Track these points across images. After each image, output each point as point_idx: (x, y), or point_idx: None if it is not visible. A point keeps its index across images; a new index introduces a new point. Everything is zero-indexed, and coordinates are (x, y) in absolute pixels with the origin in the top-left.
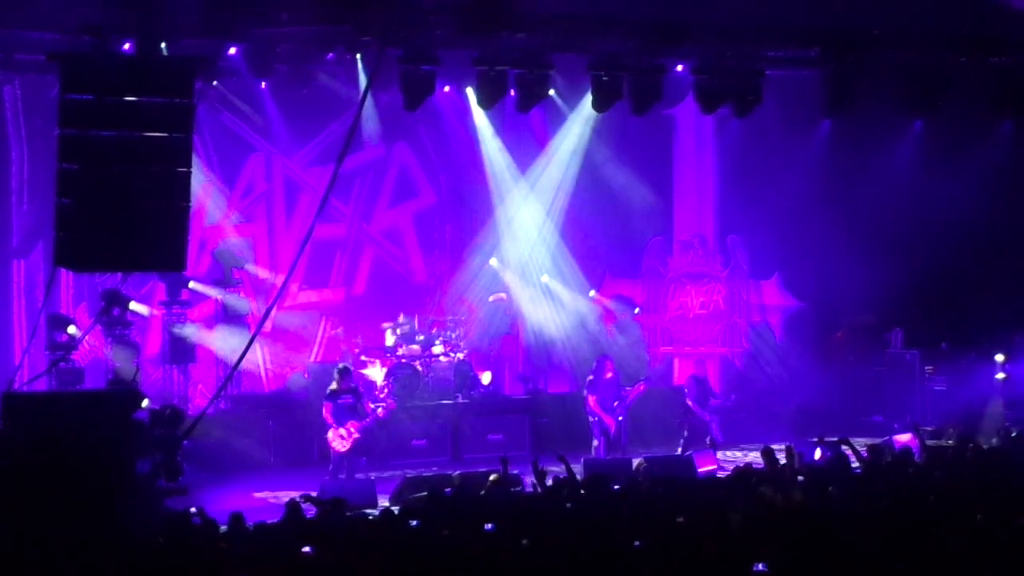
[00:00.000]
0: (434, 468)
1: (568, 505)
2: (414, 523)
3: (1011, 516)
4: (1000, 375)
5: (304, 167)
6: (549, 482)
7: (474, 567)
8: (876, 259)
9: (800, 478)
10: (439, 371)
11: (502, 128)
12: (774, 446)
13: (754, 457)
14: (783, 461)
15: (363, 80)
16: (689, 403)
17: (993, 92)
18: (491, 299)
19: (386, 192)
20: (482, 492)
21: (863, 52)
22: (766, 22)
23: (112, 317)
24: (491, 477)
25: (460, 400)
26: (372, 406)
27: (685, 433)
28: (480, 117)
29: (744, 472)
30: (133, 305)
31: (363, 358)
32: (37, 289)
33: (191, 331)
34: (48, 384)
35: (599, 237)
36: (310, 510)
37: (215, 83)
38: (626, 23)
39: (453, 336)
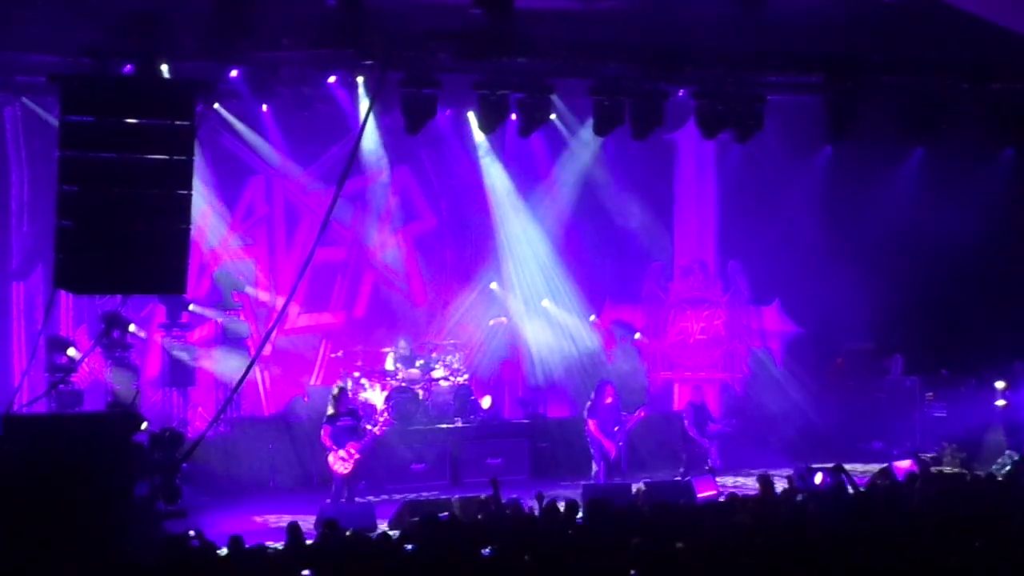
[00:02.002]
0: (433, 492)
1: (570, 531)
2: (409, 547)
3: (1010, 544)
4: (1000, 402)
5: (305, 190)
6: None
7: None
8: (877, 285)
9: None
10: (439, 395)
11: (503, 152)
12: (773, 472)
13: (752, 483)
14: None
15: (364, 103)
16: (688, 429)
17: (994, 119)
18: (491, 323)
19: (387, 216)
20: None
21: (865, 79)
22: (768, 48)
23: (112, 339)
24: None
25: (460, 424)
26: (368, 426)
27: (685, 458)
28: (481, 141)
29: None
30: (134, 328)
31: (363, 382)
32: (37, 311)
33: (191, 354)
34: (47, 406)
35: (599, 261)
36: (311, 534)
37: (216, 106)
38: (627, 48)
39: (453, 360)
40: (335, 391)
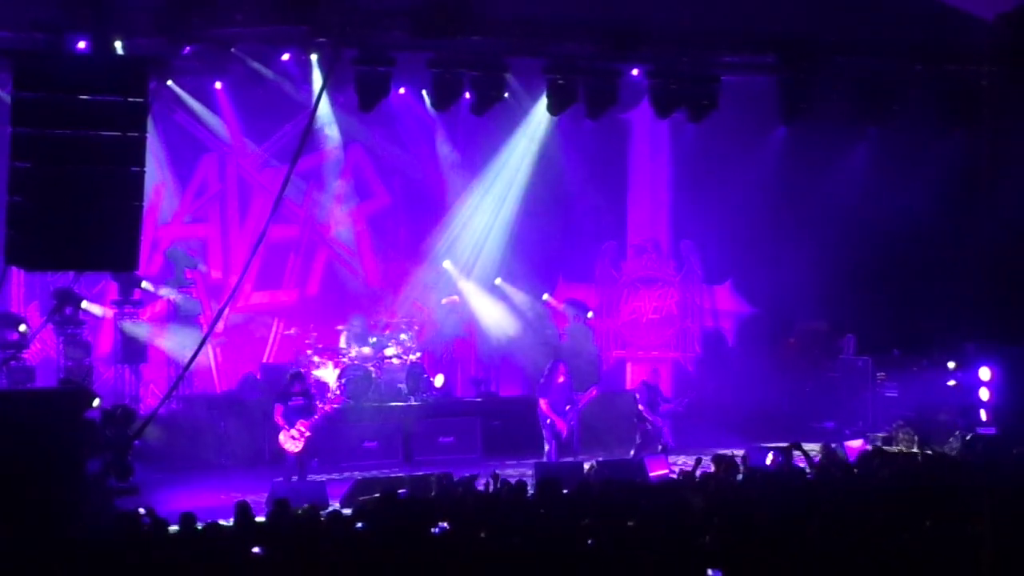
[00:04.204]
0: (385, 470)
1: (521, 510)
2: (360, 525)
3: (960, 522)
4: (951, 382)
5: (258, 168)
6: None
7: (424, 568)
8: (829, 265)
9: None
10: (391, 373)
11: (456, 130)
12: (727, 451)
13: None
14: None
15: (318, 81)
16: (641, 408)
17: (946, 100)
18: (444, 301)
19: (340, 193)
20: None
21: (818, 59)
22: (722, 28)
23: (64, 316)
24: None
25: (412, 402)
26: (319, 403)
27: (637, 438)
28: (434, 119)
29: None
30: (86, 304)
31: (316, 359)
32: None
33: (143, 331)
34: None
35: (553, 240)
36: (260, 511)
37: (169, 82)
38: (582, 27)
39: (406, 338)
40: (292, 373)
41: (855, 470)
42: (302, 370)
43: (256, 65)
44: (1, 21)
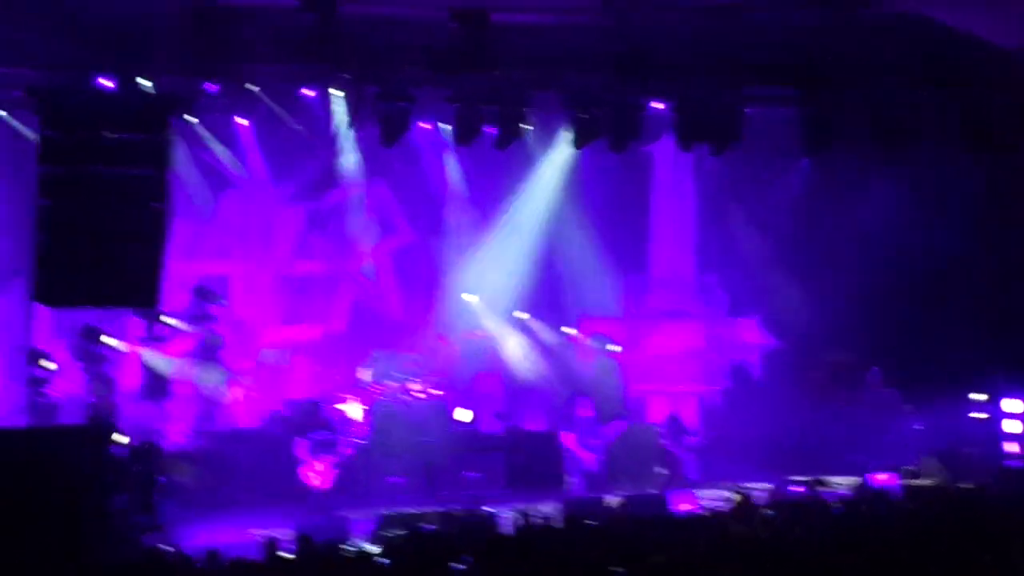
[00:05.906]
0: (410, 506)
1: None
2: (386, 562)
3: (988, 554)
4: (980, 414)
5: (281, 204)
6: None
7: None
8: (856, 297)
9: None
10: (416, 408)
11: (479, 165)
12: (751, 485)
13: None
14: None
15: (340, 117)
16: (664, 442)
17: (972, 129)
18: (468, 335)
19: (364, 228)
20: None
21: (841, 91)
22: (744, 60)
23: (89, 352)
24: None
25: (436, 437)
26: (344, 440)
27: (662, 472)
28: (456, 154)
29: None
30: (110, 341)
31: (340, 395)
32: (16, 324)
33: (167, 366)
34: (24, 419)
35: (576, 273)
36: (287, 547)
37: (192, 119)
38: (603, 61)
39: (430, 373)
40: (312, 404)
41: (883, 503)
42: (322, 403)
43: (279, 102)
44: (26, 60)
